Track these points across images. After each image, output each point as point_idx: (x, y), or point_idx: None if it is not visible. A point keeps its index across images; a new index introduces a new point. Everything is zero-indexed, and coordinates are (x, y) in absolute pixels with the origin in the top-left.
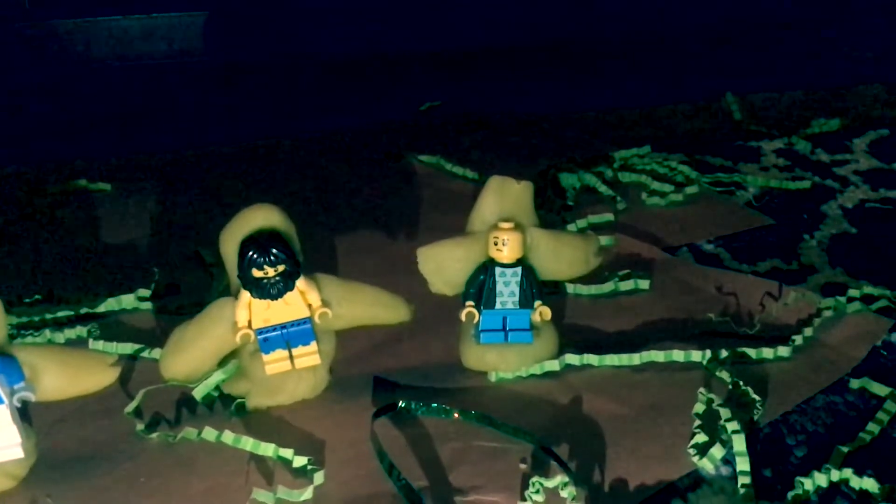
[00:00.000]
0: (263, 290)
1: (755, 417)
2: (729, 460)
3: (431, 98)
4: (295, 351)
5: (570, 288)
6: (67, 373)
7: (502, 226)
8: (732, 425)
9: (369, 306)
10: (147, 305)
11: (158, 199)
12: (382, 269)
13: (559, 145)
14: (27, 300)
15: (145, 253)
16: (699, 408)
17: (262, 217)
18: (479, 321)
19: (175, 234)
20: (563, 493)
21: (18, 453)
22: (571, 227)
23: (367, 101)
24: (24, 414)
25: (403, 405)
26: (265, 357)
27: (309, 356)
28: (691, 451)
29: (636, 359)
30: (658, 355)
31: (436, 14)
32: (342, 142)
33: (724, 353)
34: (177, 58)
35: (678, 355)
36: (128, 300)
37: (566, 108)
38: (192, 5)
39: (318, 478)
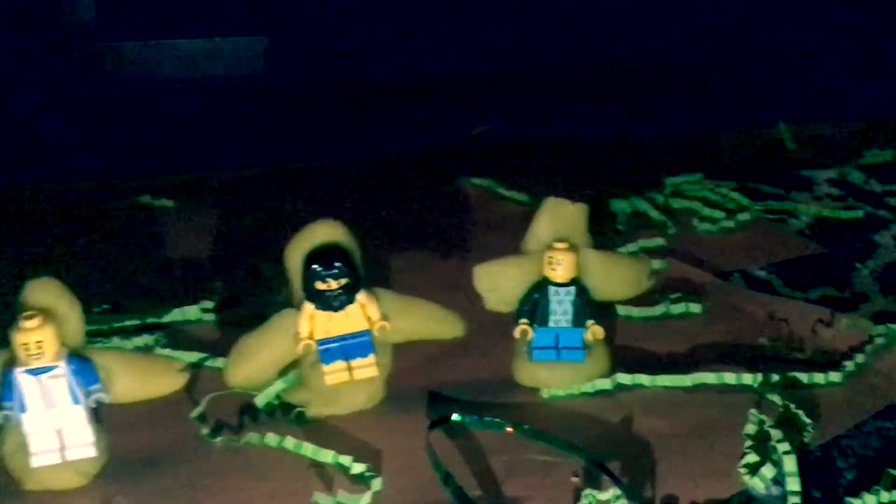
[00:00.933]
0: (326, 303)
1: (806, 440)
2: (779, 480)
3: (483, 122)
4: (353, 363)
5: (622, 310)
6: (139, 376)
7: (557, 246)
8: (783, 446)
9: (425, 321)
10: (210, 317)
11: (219, 216)
12: (435, 287)
13: (610, 171)
14: (96, 309)
15: (207, 267)
16: (750, 429)
17: (326, 232)
18: (532, 338)
19: (235, 250)
20: None
21: (91, 452)
22: (622, 250)
23: (421, 125)
24: (96, 415)
25: (457, 417)
26: (325, 368)
27: (367, 368)
28: (742, 470)
29: (688, 380)
30: (709, 377)
31: (488, 39)
32: (397, 164)
33: (775, 377)
34: (238, 80)
35: (729, 377)
36: (192, 311)
37: (617, 133)
38: (253, 30)
39: (376, 484)
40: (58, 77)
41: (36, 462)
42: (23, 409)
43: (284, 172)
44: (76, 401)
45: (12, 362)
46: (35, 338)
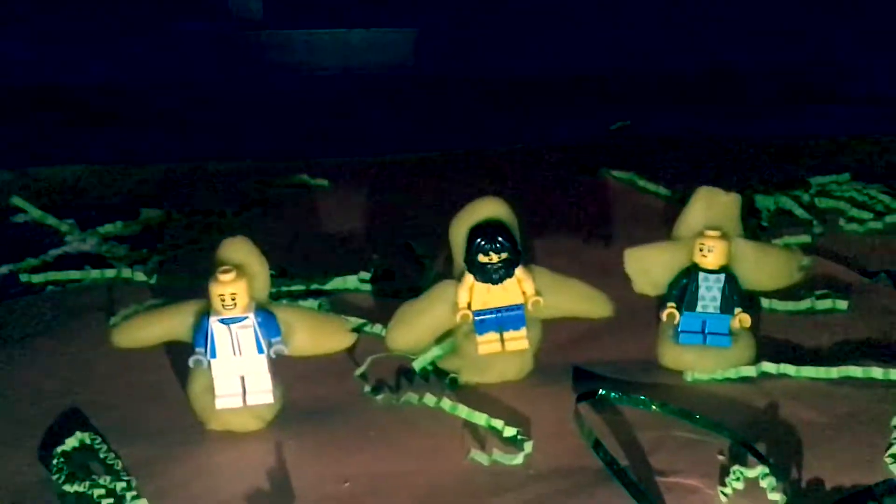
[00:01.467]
0: (487, 275)
1: None
2: None
3: (623, 117)
4: (506, 335)
5: (766, 303)
6: (315, 333)
7: (709, 233)
8: None
9: (576, 299)
10: (367, 287)
11: (371, 196)
12: (579, 271)
13: (752, 169)
14: None
15: (362, 242)
16: None
17: (490, 208)
18: (679, 322)
19: (388, 229)
20: (763, 483)
21: (270, 399)
22: None
23: (563, 118)
24: (274, 366)
25: (604, 392)
26: (479, 338)
27: (518, 340)
28: (888, 459)
29: (834, 372)
30: (856, 370)
31: (632, 37)
32: (540, 155)
33: None
34: (392, 69)
35: (876, 372)
36: (352, 280)
37: (761, 133)
38: (406, 22)
39: (528, 447)
40: (229, 64)
41: (220, 404)
42: (213, 354)
43: (434, 158)
44: (260, 350)
45: (206, 311)
46: (230, 290)
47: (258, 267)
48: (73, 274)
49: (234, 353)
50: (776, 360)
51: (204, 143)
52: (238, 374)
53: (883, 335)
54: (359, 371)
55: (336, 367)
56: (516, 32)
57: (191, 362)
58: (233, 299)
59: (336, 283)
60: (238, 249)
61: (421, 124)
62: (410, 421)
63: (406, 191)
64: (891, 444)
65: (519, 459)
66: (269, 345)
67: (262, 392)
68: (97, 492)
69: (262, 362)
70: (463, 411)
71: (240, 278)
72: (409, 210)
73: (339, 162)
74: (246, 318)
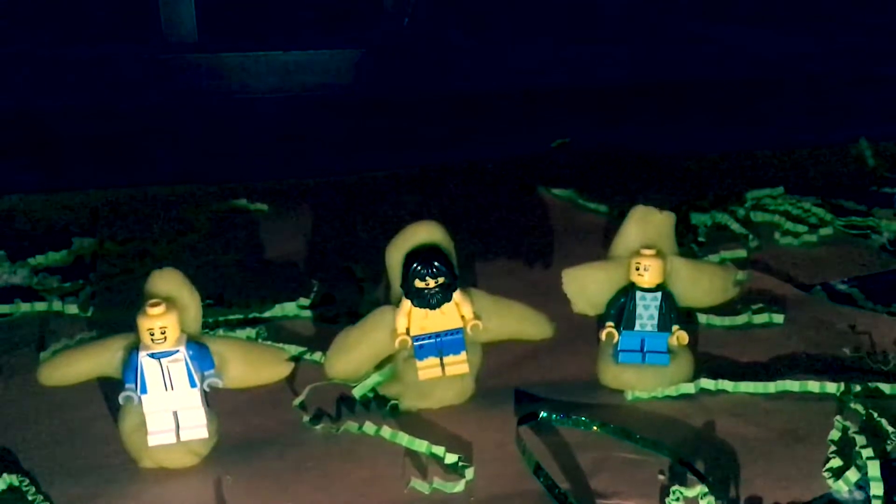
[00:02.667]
0: (424, 300)
1: (888, 448)
2: (863, 486)
3: (563, 134)
4: (446, 359)
5: (704, 318)
6: (250, 364)
7: (644, 252)
8: (867, 452)
9: (516, 321)
10: (306, 313)
11: (312, 219)
12: (519, 292)
13: (689, 184)
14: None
15: (301, 267)
16: (834, 434)
17: (425, 233)
18: (618, 341)
19: (328, 251)
20: (703, 503)
21: (204, 433)
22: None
23: (503, 135)
24: (208, 400)
25: (545, 415)
26: (419, 363)
27: (458, 365)
28: (826, 474)
29: (771, 387)
30: (793, 384)
31: (567, 52)
32: (481, 173)
33: (857, 387)
34: (329, 90)
35: (813, 385)
36: (290, 307)
37: (697, 147)
38: (345, 43)
39: (469, 473)
40: (164, 87)
41: (153, 441)
42: (144, 390)
43: (373, 178)
44: (193, 384)
45: (136, 346)
46: (159, 323)
47: (189, 299)
48: (3, 308)
49: (166, 388)
50: (714, 377)
51: (138, 168)
52: (170, 409)
53: (818, 349)
54: (297, 400)
55: (274, 397)
56: (454, 51)
57: (121, 399)
58: (162, 333)
59: (275, 311)
60: (168, 281)
61: (359, 144)
62: (350, 450)
63: (346, 212)
64: (828, 459)
65: (460, 486)
66: (203, 378)
67: (196, 427)
68: None
69: (195, 396)
70: (403, 439)
71: (170, 311)
72: (350, 232)
73: (278, 185)
74: (177, 351)
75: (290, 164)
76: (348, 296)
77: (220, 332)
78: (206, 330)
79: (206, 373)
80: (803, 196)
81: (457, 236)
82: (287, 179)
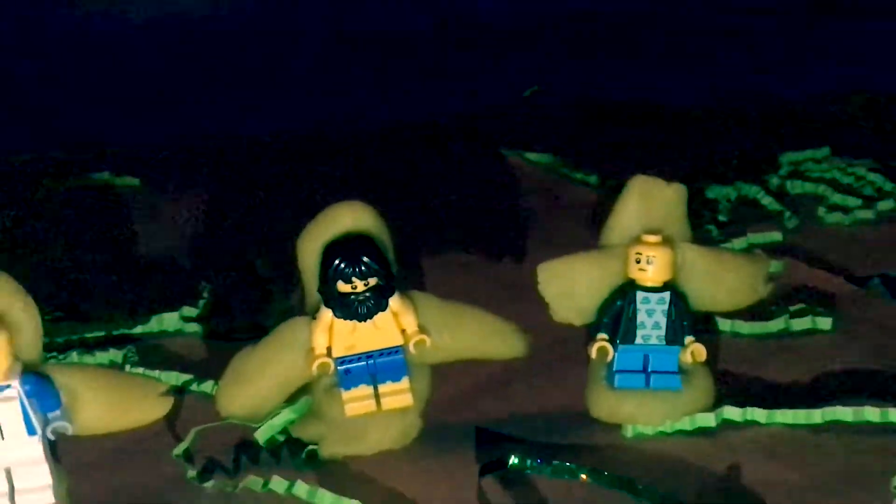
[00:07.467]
0: (349, 309)
1: None
2: None
3: (538, 80)
4: (382, 388)
5: (727, 325)
6: (113, 401)
7: (647, 239)
8: None
9: (476, 336)
10: (194, 328)
11: (199, 198)
12: (483, 294)
13: (708, 145)
14: (47, 317)
15: (187, 265)
16: None
17: (350, 218)
18: (613, 360)
19: (224, 241)
20: None
21: (50, 498)
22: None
23: (459, 81)
24: (54, 451)
25: (516, 461)
26: (345, 394)
27: (399, 395)
28: None
29: (816, 416)
30: (845, 413)
31: None
32: (431, 133)
33: None
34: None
35: (871, 413)
36: (170, 320)
37: (716, 95)
38: None
39: None
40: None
41: None
42: None
43: (287, 139)
44: (31, 431)
45: None
46: None
47: (24, 314)
48: None
49: None
50: (741, 404)
51: None
52: (2, 466)
53: (878, 362)
54: (179, 448)
55: (147, 445)
56: None
57: None
58: None
59: (149, 325)
60: None
61: (266, 92)
62: None
63: (246, 188)
64: None
65: None
66: (46, 422)
67: (39, 490)
68: None
69: (35, 448)
70: (325, 498)
71: None
72: (252, 215)
73: (153, 151)
74: (7, 386)
75: (169, 121)
76: (249, 303)
77: (73, 356)
78: (52, 354)
79: (49, 415)
80: (856, 159)
81: (394, 221)
82: (164, 144)
